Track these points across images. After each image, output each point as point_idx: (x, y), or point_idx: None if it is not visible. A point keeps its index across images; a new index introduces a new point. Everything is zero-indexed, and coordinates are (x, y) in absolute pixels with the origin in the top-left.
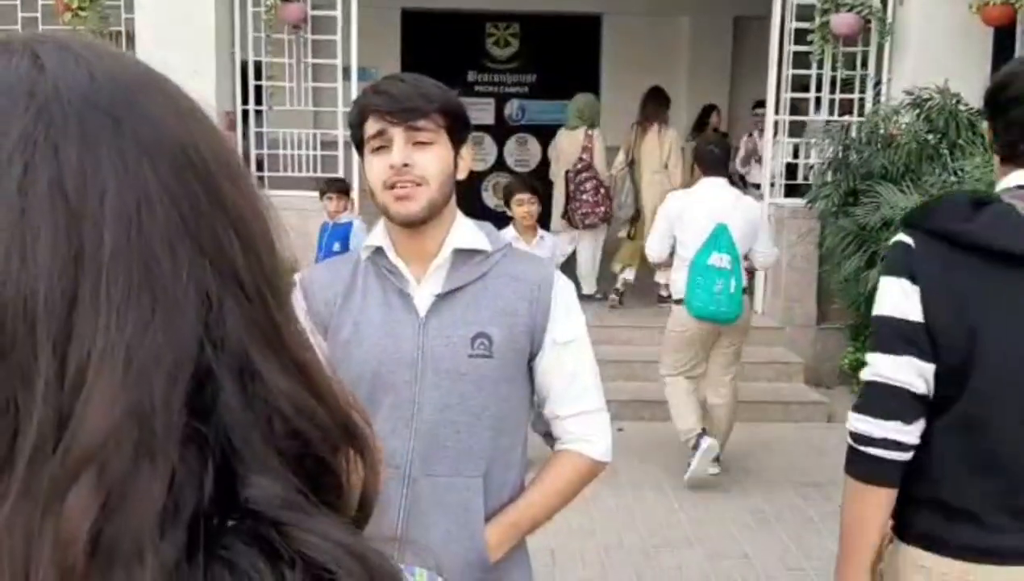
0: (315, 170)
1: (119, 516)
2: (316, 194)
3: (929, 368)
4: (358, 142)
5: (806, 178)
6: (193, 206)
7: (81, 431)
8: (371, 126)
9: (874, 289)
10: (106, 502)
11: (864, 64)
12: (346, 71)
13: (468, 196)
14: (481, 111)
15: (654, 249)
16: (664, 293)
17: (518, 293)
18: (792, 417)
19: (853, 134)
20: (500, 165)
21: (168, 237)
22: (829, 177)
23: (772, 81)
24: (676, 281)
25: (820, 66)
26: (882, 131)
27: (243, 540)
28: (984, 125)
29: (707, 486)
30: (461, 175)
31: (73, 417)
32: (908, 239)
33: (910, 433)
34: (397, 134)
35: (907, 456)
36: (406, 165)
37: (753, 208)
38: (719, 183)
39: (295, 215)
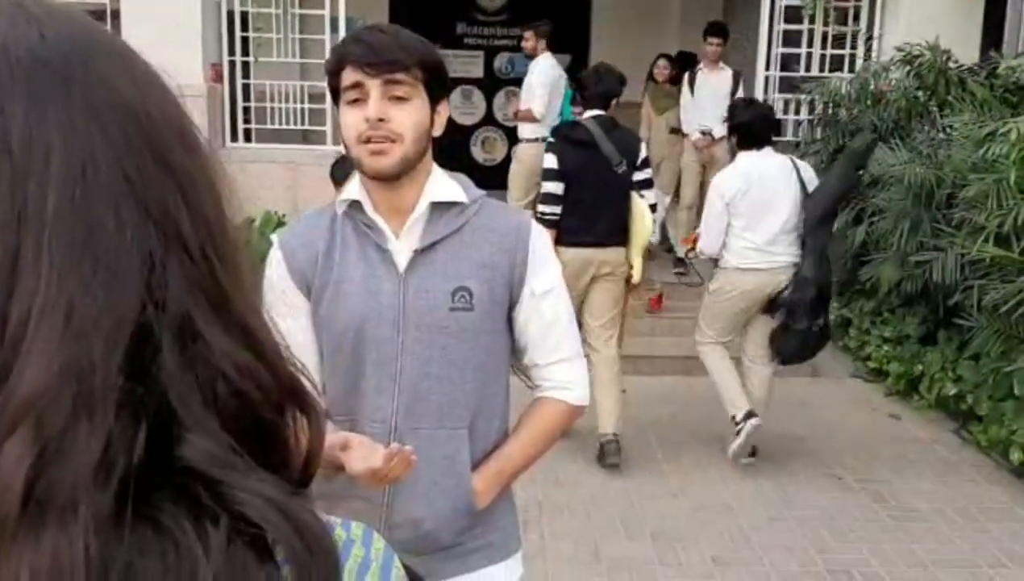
0: (302, 123)
1: (54, 468)
2: (304, 147)
3: (562, 185)
4: (334, 91)
5: (795, 134)
6: (140, 169)
7: (20, 385)
8: (348, 76)
9: (861, 246)
10: (42, 453)
11: (856, 19)
12: (334, 22)
13: (457, 151)
14: (470, 64)
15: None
16: None
17: (496, 245)
18: (777, 371)
19: (843, 91)
20: (489, 119)
21: (113, 198)
22: (818, 134)
23: (763, 36)
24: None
25: (812, 21)
26: (872, 88)
27: (171, 498)
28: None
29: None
30: (437, 131)
31: (12, 372)
32: (552, 140)
33: (559, 209)
34: (374, 87)
35: (558, 218)
36: (381, 120)
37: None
38: (551, 57)
39: (281, 169)
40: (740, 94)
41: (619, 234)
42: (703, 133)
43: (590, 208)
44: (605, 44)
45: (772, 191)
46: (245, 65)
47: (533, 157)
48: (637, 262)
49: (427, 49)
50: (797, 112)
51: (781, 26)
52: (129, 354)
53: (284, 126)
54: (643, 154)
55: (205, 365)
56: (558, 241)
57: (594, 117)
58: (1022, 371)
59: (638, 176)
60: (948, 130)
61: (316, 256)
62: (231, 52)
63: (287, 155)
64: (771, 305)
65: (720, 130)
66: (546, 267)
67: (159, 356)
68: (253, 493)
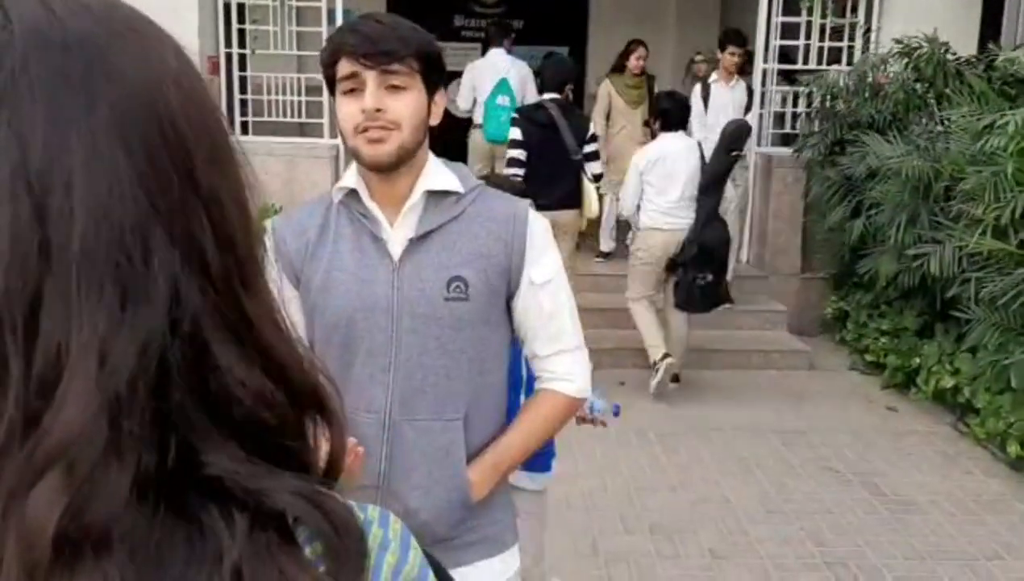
0: (299, 116)
1: (86, 511)
2: (301, 140)
3: (524, 153)
4: (330, 81)
5: (793, 127)
6: (165, 192)
7: (54, 428)
8: (344, 67)
9: (859, 239)
10: (74, 498)
11: (854, 11)
12: (331, 14)
13: (455, 143)
14: (468, 57)
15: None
16: None
17: (492, 234)
18: (774, 365)
19: (841, 83)
20: None
21: (139, 227)
22: (816, 126)
23: (761, 28)
24: None
25: (810, 13)
26: (870, 80)
27: (198, 491)
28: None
29: (690, 430)
30: (434, 121)
31: (46, 414)
32: (517, 116)
33: (522, 171)
34: (370, 78)
35: (521, 180)
36: (378, 110)
37: (524, 67)
38: (500, 53)
39: (279, 161)
40: (754, 110)
41: (573, 199)
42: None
43: (548, 178)
44: (602, 36)
45: (676, 166)
46: (242, 57)
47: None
48: (585, 221)
49: (424, 39)
50: (795, 104)
51: (779, 18)
52: (151, 387)
53: (281, 119)
54: (591, 132)
55: (220, 394)
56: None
57: (552, 100)
58: (1019, 363)
59: (586, 149)
60: (946, 123)
61: (306, 245)
62: (228, 44)
63: (284, 148)
64: (671, 264)
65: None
66: (545, 256)
67: (177, 388)
68: (278, 488)
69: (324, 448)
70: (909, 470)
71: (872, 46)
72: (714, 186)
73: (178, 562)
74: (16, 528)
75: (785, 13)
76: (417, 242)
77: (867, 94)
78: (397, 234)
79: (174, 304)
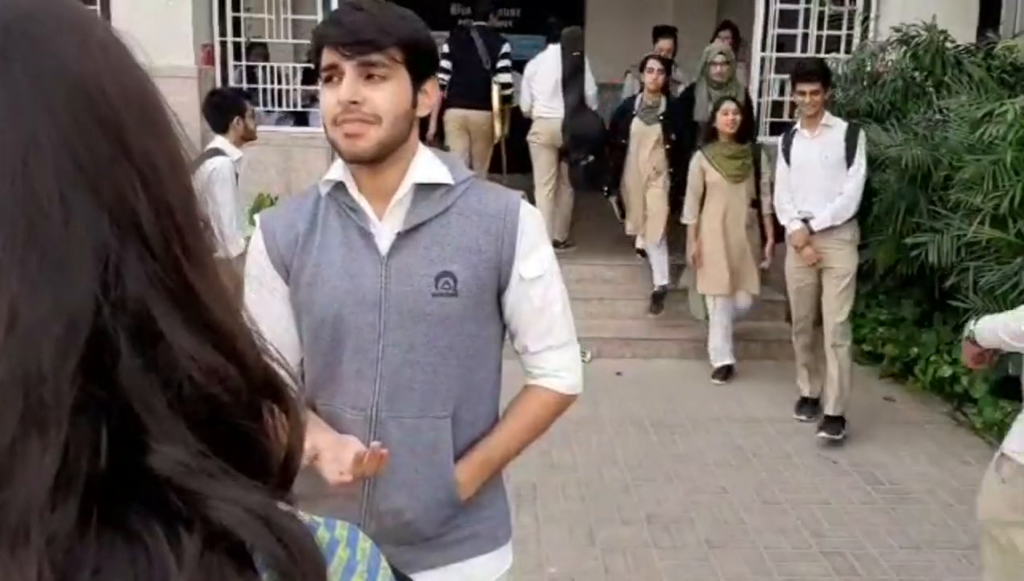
0: (296, 105)
1: (3, 491)
2: (297, 129)
3: (450, 63)
4: (317, 72)
5: (791, 116)
6: (92, 151)
7: None
8: (325, 58)
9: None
10: None
11: (853, 0)
12: (326, 1)
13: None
14: None
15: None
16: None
17: (482, 228)
18: (772, 355)
19: (839, 72)
20: None
21: (59, 187)
22: None
23: (759, 16)
24: None
25: (808, 1)
26: (868, 68)
27: (142, 505)
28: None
29: (687, 422)
30: (423, 111)
31: None
32: (449, 34)
33: (447, 78)
34: (348, 68)
35: (445, 84)
36: (355, 102)
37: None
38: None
39: (275, 151)
40: (861, 160)
41: (484, 102)
42: (804, 221)
43: (465, 84)
44: (600, 22)
45: (548, 71)
46: (237, 46)
47: None
48: (497, 125)
49: (408, 27)
50: (794, 92)
51: (778, 6)
52: (86, 360)
53: (277, 108)
54: (504, 50)
55: (169, 368)
56: (448, 105)
57: (476, 26)
58: (1017, 353)
59: (498, 64)
60: (945, 111)
61: (296, 238)
62: (223, 33)
63: (280, 137)
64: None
65: (824, 217)
66: (537, 251)
67: (118, 361)
68: (230, 501)
69: (283, 439)
70: (906, 460)
71: (871, 34)
72: (570, 83)
73: None
74: None
75: (783, 1)
76: (405, 236)
77: (865, 83)
78: (385, 228)
79: (104, 270)
